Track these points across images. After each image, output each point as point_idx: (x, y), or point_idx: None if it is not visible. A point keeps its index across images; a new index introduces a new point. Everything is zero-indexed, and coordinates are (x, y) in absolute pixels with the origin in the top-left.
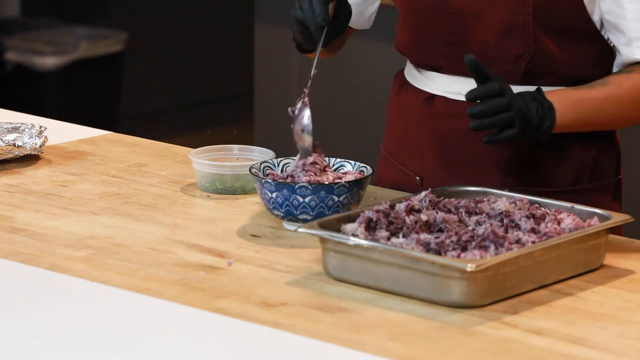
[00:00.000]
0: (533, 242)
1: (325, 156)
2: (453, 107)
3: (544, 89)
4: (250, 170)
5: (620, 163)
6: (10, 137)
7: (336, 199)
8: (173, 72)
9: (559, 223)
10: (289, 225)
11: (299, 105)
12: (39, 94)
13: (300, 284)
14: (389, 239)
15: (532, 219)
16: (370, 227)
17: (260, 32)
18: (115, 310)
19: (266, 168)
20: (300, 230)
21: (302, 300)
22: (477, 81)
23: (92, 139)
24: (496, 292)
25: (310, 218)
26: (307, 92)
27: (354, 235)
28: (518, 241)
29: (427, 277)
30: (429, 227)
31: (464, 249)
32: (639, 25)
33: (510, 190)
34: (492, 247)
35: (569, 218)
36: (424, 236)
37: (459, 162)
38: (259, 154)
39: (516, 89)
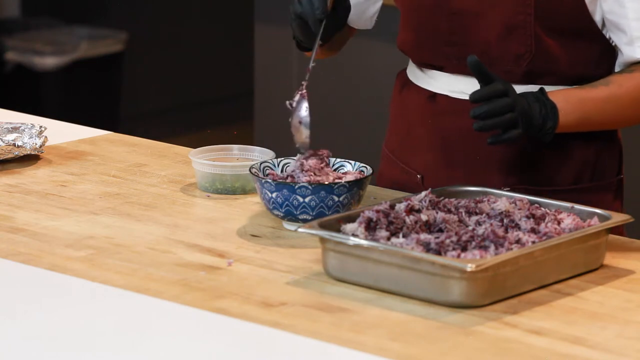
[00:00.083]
0: (533, 242)
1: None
2: (455, 106)
3: (546, 88)
4: (250, 170)
5: (622, 162)
6: (10, 137)
7: (336, 199)
8: (173, 72)
9: (559, 223)
10: (289, 225)
11: (296, 97)
12: (39, 94)
13: (300, 284)
14: (389, 239)
15: (532, 219)
16: (370, 227)
17: (260, 32)
18: (115, 310)
19: (266, 168)
20: (300, 230)
21: (302, 300)
22: (480, 82)
23: (92, 139)
24: (496, 292)
25: (310, 218)
26: (305, 84)
27: (354, 235)
28: (518, 241)
29: (427, 277)
30: (429, 227)
31: (464, 249)
32: None
33: (511, 189)
34: (492, 247)
35: (569, 218)
36: (424, 236)
37: (460, 161)
38: (259, 154)
39: (518, 88)
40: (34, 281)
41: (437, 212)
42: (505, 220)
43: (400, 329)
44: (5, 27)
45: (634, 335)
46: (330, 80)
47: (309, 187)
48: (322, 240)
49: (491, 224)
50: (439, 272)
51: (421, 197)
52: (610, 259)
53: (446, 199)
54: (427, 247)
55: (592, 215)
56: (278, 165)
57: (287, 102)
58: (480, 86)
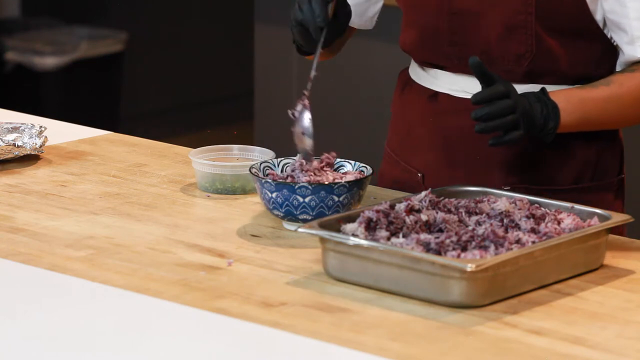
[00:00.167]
0: (533, 242)
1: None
2: (457, 104)
3: (547, 88)
4: (250, 170)
5: (623, 162)
6: (10, 137)
7: (336, 199)
8: (173, 72)
9: (559, 223)
10: (289, 225)
11: (299, 107)
12: (39, 94)
13: (300, 284)
14: (389, 239)
15: (532, 219)
16: (370, 227)
17: (260, 32)
18: (115, 310)
19: (266, 168)
20: (300, 230)
21: (302, 300)
22: (481, 83)
23: (92, 139)
24: (496, 292)
25: (310, 218)
26: (307, 94)
27: (354, 235)
28: (518, 241)
29: (427, 277)
30: (429, 227)
31: (464, 249)
32: None
33: (512, 189)
34: (492, 247)
35: (569, 218)
36: (424, 236)
37: (461, 160)
38: (259, 154)
39: (519, 88)
40: (34, 281)
41: (437, 212)
42: (505, 220)
43: (400, 329)
44: (5, 27)
45: (634, 335)
46: (330, 81)
47: (309, 187)
48: (322, 240)
49: (491, 224)
50: (439, 272)
51: (421, 197)
52: (610, 259)
53: (446, 199)
54: (427, 247)
55: (592, 215)
56: (278, 165)
57: (290, 112)
58: (482, 87)
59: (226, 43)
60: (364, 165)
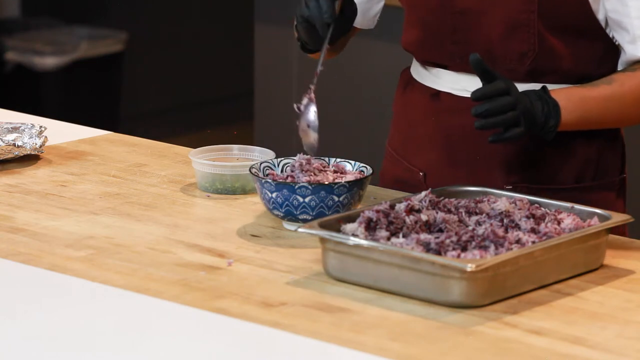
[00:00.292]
0: (533, 242)
1: (326, 156)
2: (459, 103)
3: (549, 86)
4: (250, 170)
5: (625, 161)
6: (10, 137)
7: (336, 199)
8: (173, 72)
9: (559, 223)
10: (289, 225)
11: (304, 101)
12: (39, 94)
13: (300, 284)
14: (389, 239)
15: (532, 219)
16: (370, 227)
17: (260, 32)
18: (115, 310)
19: (266, 168)
20: (300, 230)
21: (302, 300)
22: (482, 80)
23: (92, 139)
24: (496, 292)
25: (310, 218)
26: (313, 88)
27: (354, 235)
28: (518, 241)
29: (427, 277)
30: (429, 227)
31: (464, 249)
32: None
33: (513, 188)
34: (492, 247)
35: (569, 218)
36: (424, 236)
37: (463, 158)
38: (259, 154)
39: (521, 86)
40: (34, 281)
41: (437, 212)
42: (505, 220)
43: (400, 329)
44: (5, 27)
45: (634, 335)
46: (332, 80)
47: (309, 187)
48: (322, 240)
49: (491, 224)
50: (439, 272)
51: (421, 197)
52: (610, 259)
53: (446, 199)
54: (427, 247)
55: (592, 215)
56: (278, 165)
57: (295, 106)
58: (482, 84)
59: (226, 43)
60: (364, 165)
